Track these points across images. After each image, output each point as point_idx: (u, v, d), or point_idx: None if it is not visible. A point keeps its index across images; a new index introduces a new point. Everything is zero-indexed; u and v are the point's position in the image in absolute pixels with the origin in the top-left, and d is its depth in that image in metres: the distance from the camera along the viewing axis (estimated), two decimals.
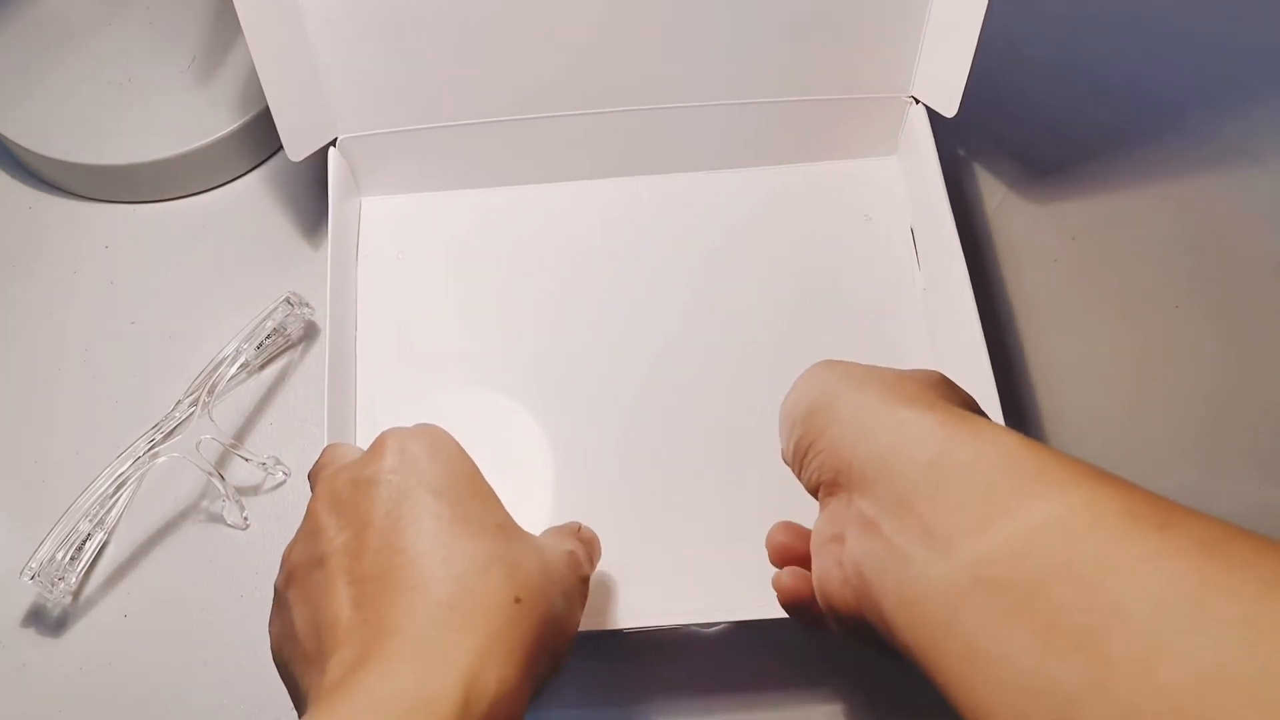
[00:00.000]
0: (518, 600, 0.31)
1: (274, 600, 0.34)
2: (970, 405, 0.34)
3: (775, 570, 0.37)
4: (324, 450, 0.38)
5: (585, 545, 0.38)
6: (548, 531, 0.38)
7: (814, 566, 0.35)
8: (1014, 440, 0.29)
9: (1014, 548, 0.26)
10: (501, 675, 0.29)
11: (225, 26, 0.57)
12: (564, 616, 0.34)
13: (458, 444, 0.36)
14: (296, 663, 0.32)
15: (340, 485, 0.34)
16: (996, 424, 0.31)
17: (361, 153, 0.52)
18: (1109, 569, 0.24)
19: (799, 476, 0.36)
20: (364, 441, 0.47)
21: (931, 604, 0.28)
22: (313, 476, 0.37)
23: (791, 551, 0.37)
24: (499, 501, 0.35)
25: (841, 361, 0.37)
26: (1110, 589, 0.24)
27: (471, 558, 0.31)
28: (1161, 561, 0.24)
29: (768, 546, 0.38)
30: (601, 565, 0.42)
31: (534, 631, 0.31)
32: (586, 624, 0.42)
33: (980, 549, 0.27)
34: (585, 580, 0.36)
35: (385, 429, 0.36)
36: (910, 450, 0.30)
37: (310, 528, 0.34)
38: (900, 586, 0.29)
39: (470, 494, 0.34)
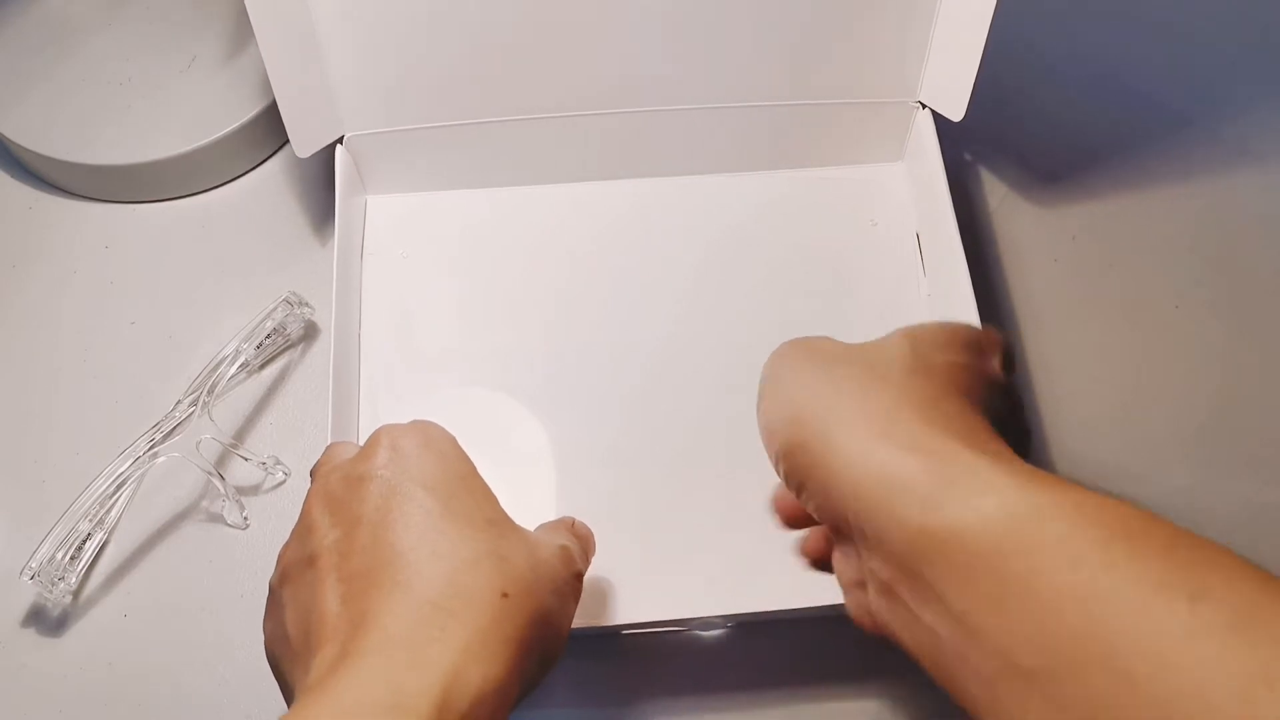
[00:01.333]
0: (505, 595, 0.31)
1: (268, 598, 0.34)
2: (968, 385, 0.32)
3: (775, 554, 0.37)
4: (326, 448, 0.38)
5: (580, 541, 0.38)
6: (542, 527, 0.38)
7: (846, 601, 0.34)
8: (1008, 487, 0.27)
9: (1042, 632, 0.25)
10: (486, 673, 0.29)
11: (225, 26, 0.57)
12: (555, 612, 0.33)
13: (452, 439, 0.36)
14: (285, 660, 0.32)
15: (334, 483, 0.34)
16: (984, 456, 0.29)
17: (368, 151, 0.52)
18: (1147, 658, 0.23)
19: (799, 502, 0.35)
20: (364, 435, 0.47)
21: (969, 683, 0.27)
22: (312, 474, 0.38)
23: (802, 511, 0.36)
24: (493, 497, 0.35)
25: (809, 350, 0.35)
26: (1152, 683, 0.23)
27: (459, 552, 0.31)
28: (1198, 646, 0.23)
29: (776, 510, 0.37)
30: (598, 564, 0.42)
31: (522, 627, 0.31)
32: (582, 623, 0.42)
33: (1006, 634, 0.26)
34: (579, 576, 0.36)
35: (381, 425, 0.36)
36: (899, 511, 0.28)
37: (304, 525, 0.34)
38: (934, 659, 0.29)
39: (462, 489, 0.34)
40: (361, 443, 0.46)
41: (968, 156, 0.57)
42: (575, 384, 0.49)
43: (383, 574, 0.31)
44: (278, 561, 0.34)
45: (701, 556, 0.45)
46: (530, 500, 0.46)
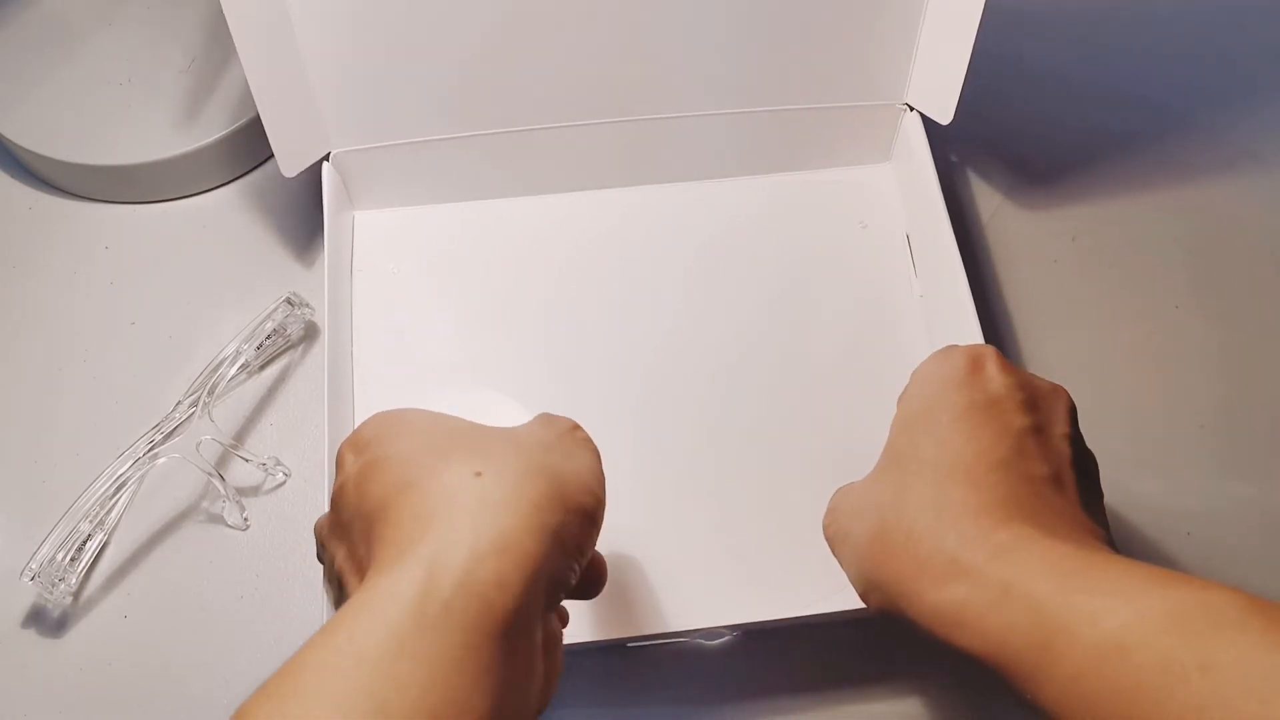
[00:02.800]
0: (478, 474, 0.30)
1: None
2: (1039, 451, 0.33)
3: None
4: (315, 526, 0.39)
5: (594, 569, 0.37)
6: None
7: None
8: (1110, 608, 0.28)
9: None
10: (474, 540, 0.28)
11: (225, 27, 0.57)
12: (557, 463, 0.32)
13: (398, 410, 0.35)
14: None
15: (324, 521, 0.34)
16: (1074, 580, 0.29)
17: (355, 167, 0.51)
18: None
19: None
20: None
21: None
22: (318, 545, 0.38)
23: None
24: (457, 420, 0.34)
25: (863, 501, 0.36)
26: None
27: (429, 465, 0.31)
28: None
29: None
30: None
31: (513, 489, 0.30)
32: (586, 636, 0.42)
33: None
34: (575, 429, 0.35)
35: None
36: (1010, 666, 0.29)
37: (324, 567, 0.35)
38: None
39: (426, 429, 0.33)
40: None
41: (954, 158, 0.57)
42: (569, 393, 0.49)
43: (374, 529, 0.30)
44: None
45: (702, 566, 0.45)
46: None
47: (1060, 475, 0.34)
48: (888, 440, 0.37)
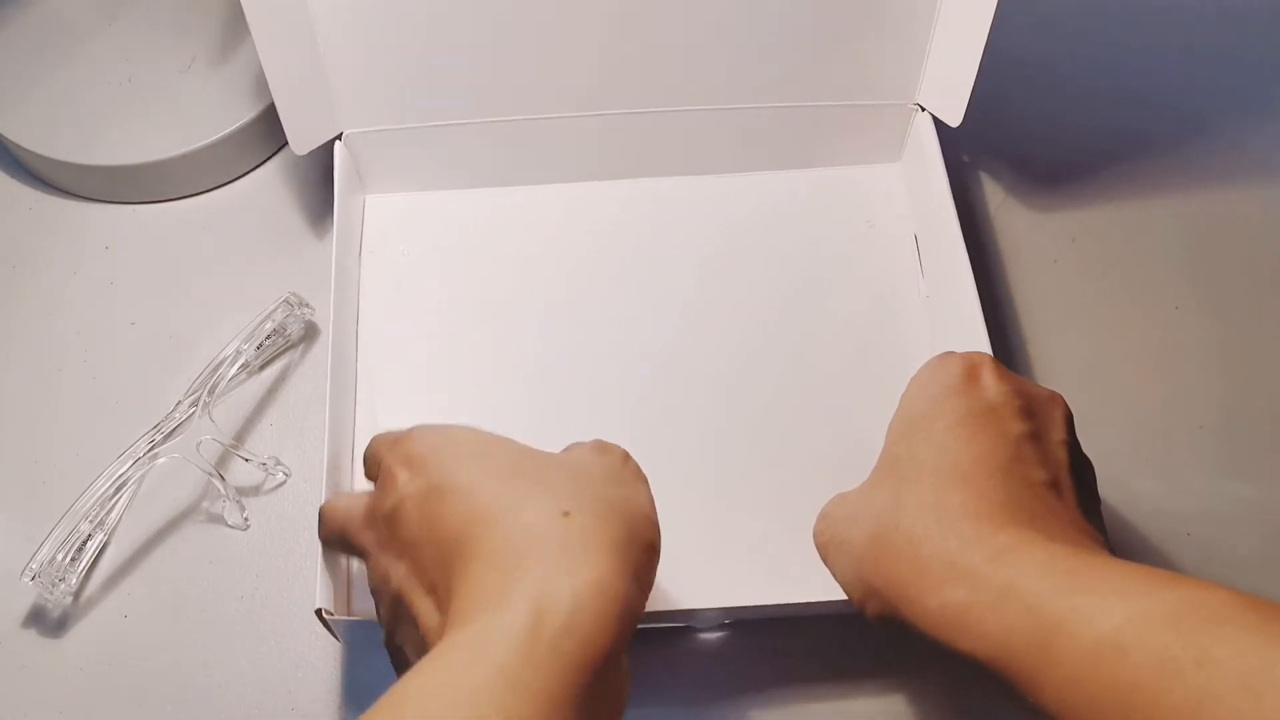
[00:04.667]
0: (566, 514, 0.31)
1: (386, 638, 0.35)
2: (1036, 457, 0.34)
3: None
4: (324, 508, 0.39)
5: None
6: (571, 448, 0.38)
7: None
8: (1110, 607, 0.28)
9: None
10: (575, 582, 0.29)
11: (226, 26, 0.57)
12: (623, 497, 0.34)
13: (444, 425, 0.36)
14: None
15: (379, 528, 0.35)
16: (1076, 579, 0.30)
17: (367, 149, 0.51)
18: None
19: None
20: (362, 435, 0.47)
21: None
22: (327, 536, 0.39)
23: None
24: (512, 443, 0.35)
25: (857, 507, 0.36)
26: None
27: (504, 501, 0.32)
28: None
29: None
30: None
31: (593, 529, 0.31)
32: None
33: None
34: (627, 458, 0.36)
35: (373, 450, 0.37)
36: (1013, 667, 0.30)
37: (377, 578, 0.35)
38: None
39: (481, 452, 0.34)
40: (358, 439, 0.47)
41: (965, 159, 0.57)
42: (572, 382, 0.49)
43: (454, 561, 0.31)
44: (377, 613, 0.35)
45: (703, 554, 0.45)
46: None
47: (1058, 481, 0.34)
48: (884, 448, 0.37)
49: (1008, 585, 0.30)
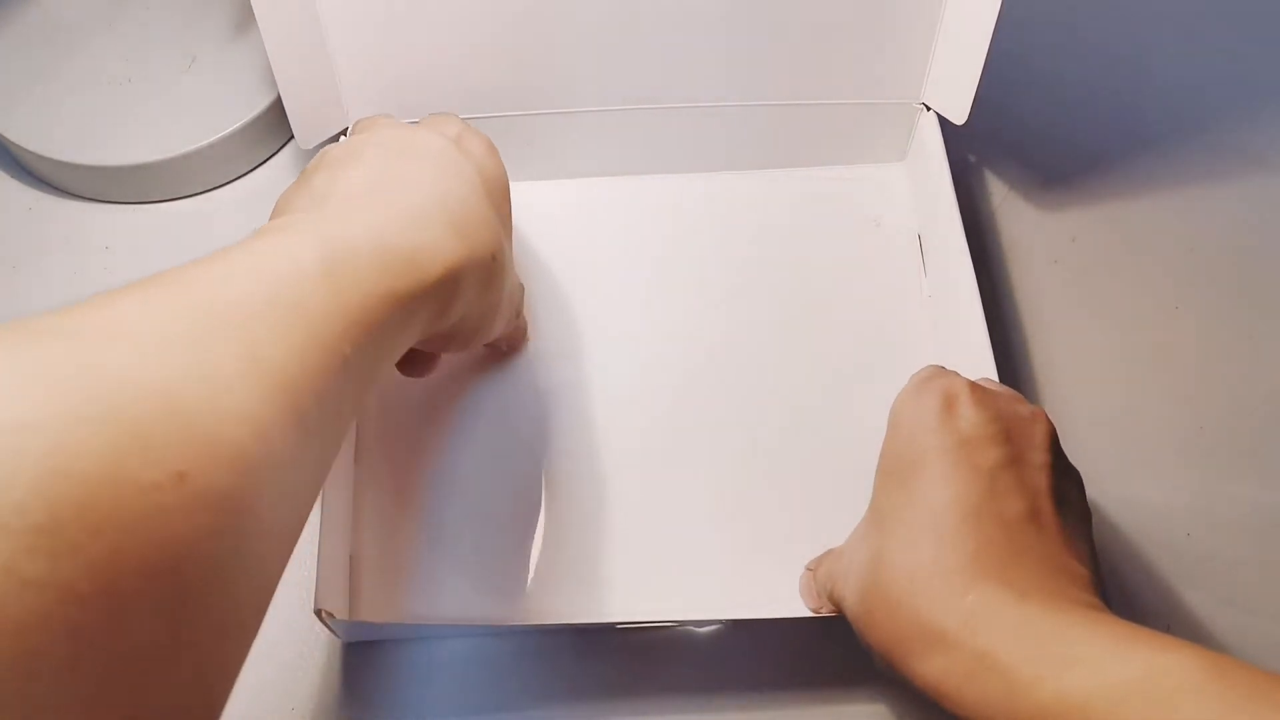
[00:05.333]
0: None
1: None
2: (1025, 484, 0.33)
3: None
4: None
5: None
6: None
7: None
8: (1087, 665, 0.28)
9: None
10: (369, 219, 0.32)
11: (226, 26, 0.57)
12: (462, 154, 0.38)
13: (394, 133, 0.38)
14: None
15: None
16: (1061, 630, 0.30)
17: None
18: None
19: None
20: (364, 452, 0.47)
21: None
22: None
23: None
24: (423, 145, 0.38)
25: (855, 555, 0.36)
26: None
27: (362, 165, 0.36)
28: None
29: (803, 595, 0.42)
30: (598, 559, 0.42)
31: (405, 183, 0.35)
32: (578, 618, 0.42)
33: None
34: (462, 129, 0.40)
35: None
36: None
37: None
38: None
39: (389, 145, 0.37)
40: (352, 451, 0.46)
41: (971, 158, 0.57)
42: (573, 379, 0.49)
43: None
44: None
45: (702, 556, 0.45)
46: (526, 496, 0.46)
47: (1037, 510, 0.33)
48: (872, 496, 0.37)
49: (981, 654, 0.30)
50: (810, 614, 0.42)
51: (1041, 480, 0.34)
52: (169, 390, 0.22)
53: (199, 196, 0.56)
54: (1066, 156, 0.57)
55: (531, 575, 0.44)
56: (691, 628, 0.44)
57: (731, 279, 0.52)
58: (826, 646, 0.43)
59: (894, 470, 0.35)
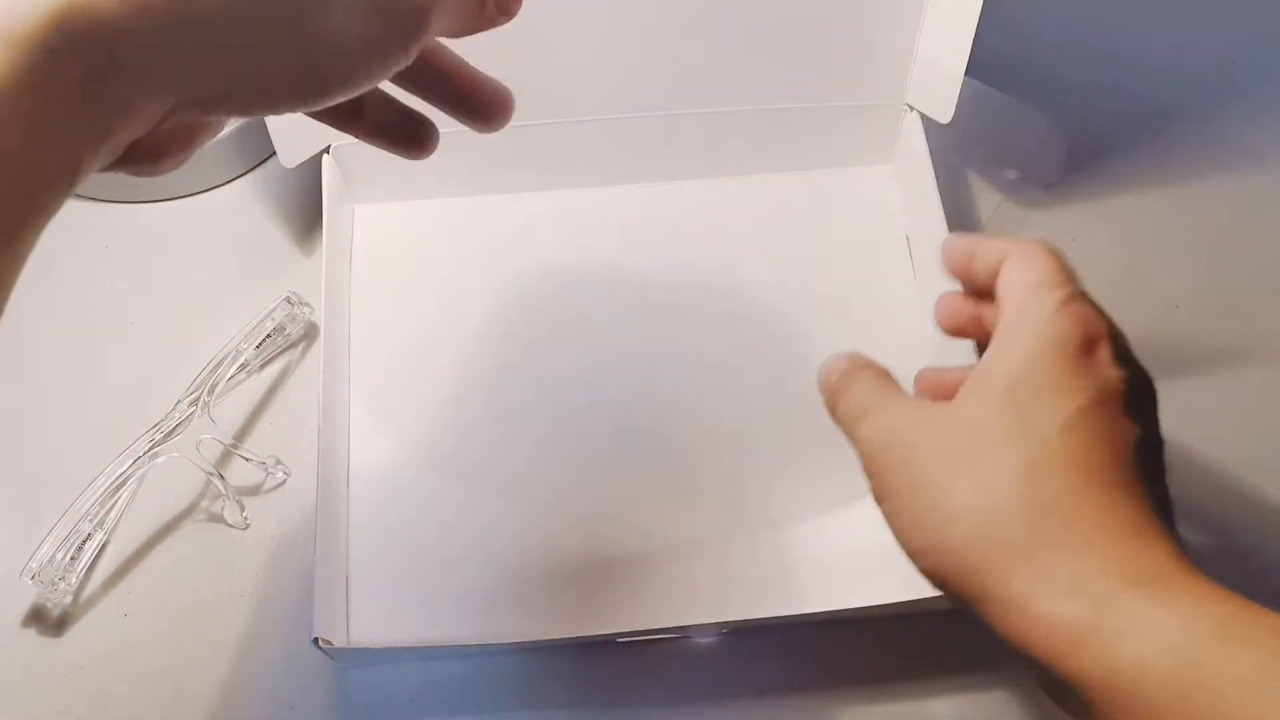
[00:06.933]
0: None
1: None
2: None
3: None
4: None
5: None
6: None
7: None
8: (1166, 626, 0.27)
9: None
10: None
11: None
12: None
13: None
14: None
15: None
16: (1140, 588, 0.28)
17: (355, 159, 0.51)
18: None
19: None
20: (356, 454, 0.47)
21: None
22: None
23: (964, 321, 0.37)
24: None
25: (929, 443, 0.31)
26: None
27: None
28: None
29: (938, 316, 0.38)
30: (595, 571, 0.42)
31: None
32: (579, 631, 0.42)
33: None
34: None
35: None
36: (1070, 666, 0.28)
37: None
38: None
39: None
40: (351, 455, 0.46)
41: (956, 158, 0.57)
42: (568, 388, 0.49)
43: None
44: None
45: (699, 564, 0.45)
46: (524, 505, 0.46)
47: (1149, 483, 0.31)
48: (976, 386, 0.32)
49: (1153, 622, 0.27)
50: (811, 614, 0.42)
51: (1159, 459, 0.32)
52: None
53: (198, 196, 0.56)
54: (1066, 156, 0.57)
55: (528, 591, 0.44)
56: (694, 636, 0.43)
57: (718, 284, 0.52)
58: (822, 655, 0.43)
59: (1027, 388, 0.31)
